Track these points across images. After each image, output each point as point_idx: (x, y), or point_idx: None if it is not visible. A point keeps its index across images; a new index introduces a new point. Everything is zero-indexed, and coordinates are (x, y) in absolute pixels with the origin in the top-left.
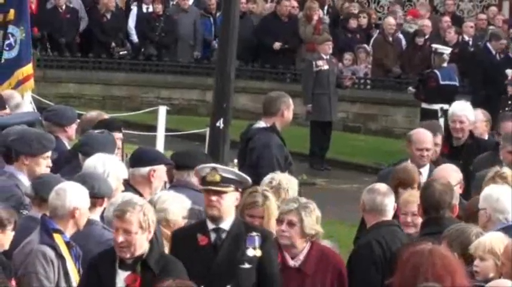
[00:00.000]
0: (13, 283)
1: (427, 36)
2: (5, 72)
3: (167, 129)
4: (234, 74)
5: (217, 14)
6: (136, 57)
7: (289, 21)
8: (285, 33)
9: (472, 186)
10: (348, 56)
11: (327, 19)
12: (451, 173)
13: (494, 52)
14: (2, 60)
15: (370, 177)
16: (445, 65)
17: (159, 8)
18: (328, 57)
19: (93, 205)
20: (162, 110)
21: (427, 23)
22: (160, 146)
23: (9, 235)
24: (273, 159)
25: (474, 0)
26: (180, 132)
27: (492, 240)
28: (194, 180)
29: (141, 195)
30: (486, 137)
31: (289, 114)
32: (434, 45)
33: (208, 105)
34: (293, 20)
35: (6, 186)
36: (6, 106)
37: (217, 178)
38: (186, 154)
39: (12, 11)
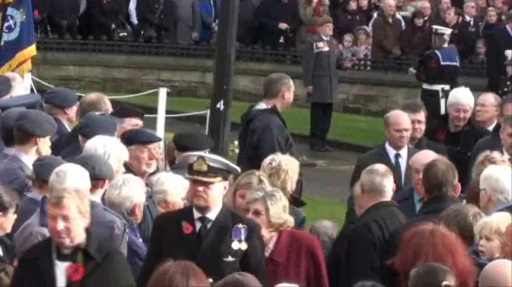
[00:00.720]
0: (15, 264)
1: (426, 18)
2: (5, 54)
3: (167, 111)
4: (234, 56)
5: None
6: (136, 40)
7: (289, 3)
8: (285, 15)
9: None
10: (347, 38)
11: (327, 1)
12: (424, 161)
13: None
14: (2, 43)
15: None
16: (445, 45)
17: None
18: (328, 38)
19: (94, 187)
20: (163, 92)
21: (427, 4)
22: (160, 128)
23: (11, 218)
24: (274, 140)
25: None
26: (180, 114)
27: (498, 220)
28: None
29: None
30: (495, 121)
31: (289, 96)
32: (434, 26)
33: (209, 87)
34: (293, 2)
35: (11, 169)
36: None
37: (205, 167)
38: (187, 136)
39: None
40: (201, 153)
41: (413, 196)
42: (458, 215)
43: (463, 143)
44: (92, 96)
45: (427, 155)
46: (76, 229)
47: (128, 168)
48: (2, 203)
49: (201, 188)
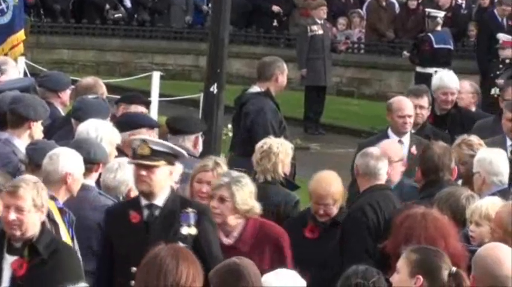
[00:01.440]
0: None
1: (419, 1)
2: None
3: (161, 95)
4: (227, 39)
5: None
6: (129, 23)
7: None
8: None
9: None
10: (341, 21)
11: None
12: (394, 149)
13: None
14: None
15: None
16: (439, 28)
17: None
18: (322, 22)
19: (88, 171)
20: (156, 76)
21: None
22: (154, 111)
23: None
24: (267, 124)
25: None
26: (174, 98)
27: (488, 206)
28: (189, 145)
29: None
30: (473, 109)
31: (283, 79)
32: (428, 9)
33: (202, 71)
34: None
35: (4, 153)
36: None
37: (147, 150)
38: (180, 119)
39: None
40: (144, 136)
41: None
42: (451, 198)
43: (450, 126)
44: (88, 79)
45: (390, 145)
46: (29, 221)
47: (121, 151)
48: None
49: (144, 173)
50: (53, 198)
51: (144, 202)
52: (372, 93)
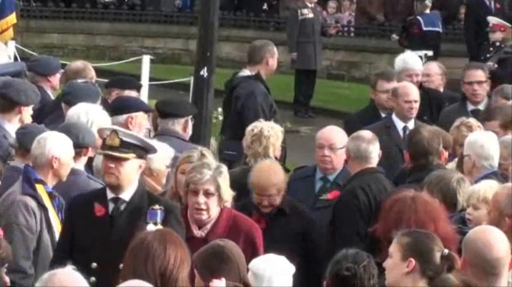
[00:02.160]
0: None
1: None
2: None
3: (151, 79)
4: (217, 23)
5: None
6: (119, 7)
7: None
8: None
9: None
10: (332, 4)
11: None
12: (338, 137)
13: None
14: None
15: None
16: (427, 11)
17: None
18: (313, 5)
19: (77, 155)
20: (146, 60)
21: None
22: (144, 95)
23: None
24: (258, 107)
25: None
26: (164, 81)
27: (486, 189)
28: (179, 128)
29: None
30: (442, 89)
31: (273, 63)
32: None
33: (192, 54)
34: None
35: None
36: None
37: (117, 141)
38: (170, 102)
39: None
40: (115, 127)
41: (315, 174)
42: (442, 181)
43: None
44: (78, 63)
45: (332, 131)
46: None
47: None
48: None
49: (112, 165)
50: (42, 182)
51: (110, 195)
52: (362, 76)
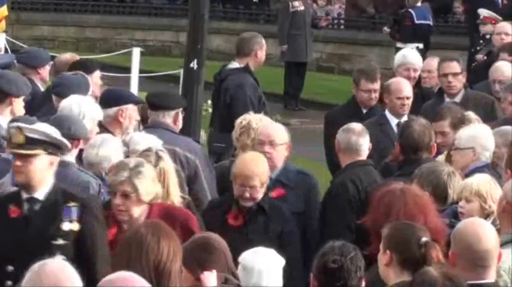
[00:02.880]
0: None
1: None
2: None
3: (141, 71)
4: (207, 15)
5: None
6: None
7: None
8: None
9: None
10: None
11: None
12: (278, 132)
13: None
14: None
15: None
16: (419, 4)
17: None
18: None
19: None
20: (136, 52)
21: None
22: (134, 87)
23: None
24: (247, 99)
25: None
26: (154, 74)
27: (479, 182)
28: (169, 121)
29: (113, 135)
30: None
31: (262, 55)
32: None
33: (182, 47)
34: None
35: None
36: None
37: (21, 139)
38: (161, 95)
39: None
40: (19, 123)
41: None
42: (432, 174)
43: (412, 105)
44: (67, 55)
45: (274, 128)
46: None
47: (103, 127)
48: None
49: (19, 163)
50: None
51: (24, 195)
52: (352, 69)
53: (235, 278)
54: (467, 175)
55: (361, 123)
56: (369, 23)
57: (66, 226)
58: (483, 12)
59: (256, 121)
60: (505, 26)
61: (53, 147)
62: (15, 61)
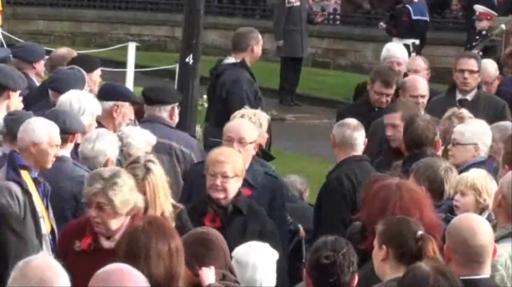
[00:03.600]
0: None
1: None
2: None
3: (137, 66)
4: (203, 10)
5: None
6: None
7: None
8: None
9: None
10: None
11: None
12: (247, 129)
13: None
14: None
15: None
16: (415, 0)
17: None
18: None
19: (64, 141)
20: (132, 47)
21: None
22: (129, 82)
23: None
24: (243, 94)
25: None
26: (149, 69)
27: (475, 176)
28: (165, 115)
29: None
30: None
31: (258, 50)
32: None
33: (178, 42)
34: None
35: None
36: None
37: None
38: (157, 89)
39: None
40: None
41: None
42: (429, 169)
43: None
44: (62, 50)
45: (241, 125)
46: None
47: (97, 121)
48: None
49: None
50: (27, 168)
51: None
52: (348, 64)
53: (232, 274)
54: (462, 171)
55: (375, 121)
56: (365, 19)
57: None
58: (479, 8)
59: (251, 115)
60: None
61: None
62: (10, 56)
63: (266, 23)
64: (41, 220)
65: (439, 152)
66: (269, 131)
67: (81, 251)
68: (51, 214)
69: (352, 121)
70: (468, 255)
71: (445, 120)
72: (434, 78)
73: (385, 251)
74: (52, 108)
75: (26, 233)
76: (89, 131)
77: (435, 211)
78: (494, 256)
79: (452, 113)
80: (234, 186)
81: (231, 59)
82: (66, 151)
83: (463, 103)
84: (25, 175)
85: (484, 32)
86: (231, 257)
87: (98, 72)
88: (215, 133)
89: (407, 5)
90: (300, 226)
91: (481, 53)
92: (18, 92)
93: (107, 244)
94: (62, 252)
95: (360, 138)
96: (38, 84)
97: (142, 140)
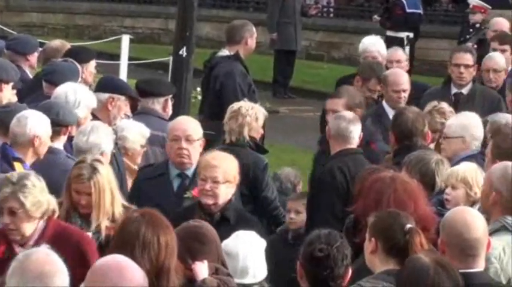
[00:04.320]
0: None
1: None
2: None
3: (130, 58)
4: (196, 3)
5: None
6: None
7: None
8: None
9: None
10: None
11: None
12: (193, 126)
13: None
14: None
15: None
16: None
17: None
18: None
19: (57, 134)
20: (125, 39)
21: None
22: (123, 74)
23: None
24: (236, 86)
25: None
26: (143, 61)
27: (466, 170)
28: (159, 107)
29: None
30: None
31: (252, 43)
32: None
33: (171, 34)
34: None
35: None
36: None
37: None
38: (150, 81)
39: None
40: None
41: (169, 172)
42: (421, 162)
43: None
44: (56, 42)
45: (188, 121)
46: None
47: (92, 114)
48: None
49: None
50: (20, 160)
51: None
52: (341, 57)
53: (224, 267)
54: (454, 164)
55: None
56: (358, 11)
57: None
58: (472, 1)
59: (247, 108)
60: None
61: None
62: (4, 48)
63: (260, 16)
64: None
65: (432, 145)
66: (264, 125)
67: None
68: None
69: (348, 114)
70: (462, 248)
71: (425, 114)
72: (428, 71)
73: (374, 243)
74: (46, 100)
75: None
76: (83, 123)
77: (429, 204)
78: (489, 249)
79: (432, 107)
80: (224, 192)
81: (225, 52)
82: (59, 144)
83: (458, 97)
84: (18, 167)
85: (477, 25)
86: None
87: (93, 63)
88: (209, 126)
89: None
90: None
91: (475, 46)
92: (11, 84)
93: (19, 250)
94: None
95: (355, 131)
96: (31, 76)
97: (137, 133)
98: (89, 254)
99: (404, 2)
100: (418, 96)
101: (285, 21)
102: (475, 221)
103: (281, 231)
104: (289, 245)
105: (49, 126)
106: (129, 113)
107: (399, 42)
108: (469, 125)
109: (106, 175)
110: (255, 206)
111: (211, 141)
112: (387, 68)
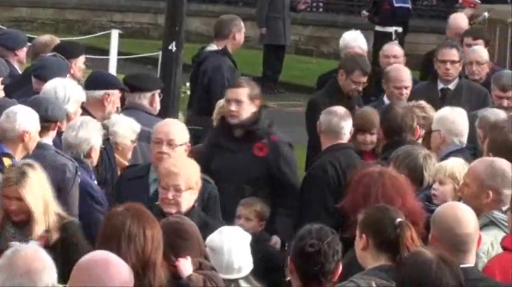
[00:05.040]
0: None
1: None
2: None
3: (119, 53)
4: None
5: None
6: None
7: None
8: None
9: None
10: None
11: None
12: (177, 130)
13: None
14: None
15: None
16: None
17: None
18: None
19: (45, 129)
20: (115, 34)
21: None
22: (112, 69)
23: None
24: (225, 81)
25: None
26: (132, 56)
27: (453, 165)
28: (146, 102)
29: (94, 118)
30: None
31: (240, 37)
32: None
33: (161, 29)
34: None
35: None
36: None
37: None
38: (138, 76)
39: None
40: None
41: (148, 175)
42: (408, 157)
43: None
44: (45, 37)
45: (172, 125)
46: None
47: (85, 110)
48: None
49: None
50: (9, 156)
51: None
52: (330, 52)
53: (207, 261)
54: (442, 159)
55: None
56: (348, 6)
57: None
58: None
59: None
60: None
61: None
62: None
63: (249, 10)
64: None
65: (419, 140)
66: None
67: None
68: None
69: (339, 109)
70: (453, 244)
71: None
72: (417, 66)
73: (365, 240)
74: (35, 95)
75: None
76: (73, 118)
77: (417, 199)
78: (479, 244)
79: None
80: (187, 199)
81: (213, 47)
82: (48, 139)
83: (445, 92)
84: (7, 162)
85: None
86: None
87: (82, 58)
88: (197, 121)
89: None
90: None
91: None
92: (0, 79)
93: None
94: None
95: (346, 127)
96: (20, 71)
97: (127, 128)
98: None
99: None
100: None
101: (274, 16)
102: (466, 217)
103: None
104: None
105: (37, 121)
106: (119, 104)
107: (388, 37)
108: (445, 118)
109: (37, 180)
110: None
111: (198, 137)
112: (379, 63)
